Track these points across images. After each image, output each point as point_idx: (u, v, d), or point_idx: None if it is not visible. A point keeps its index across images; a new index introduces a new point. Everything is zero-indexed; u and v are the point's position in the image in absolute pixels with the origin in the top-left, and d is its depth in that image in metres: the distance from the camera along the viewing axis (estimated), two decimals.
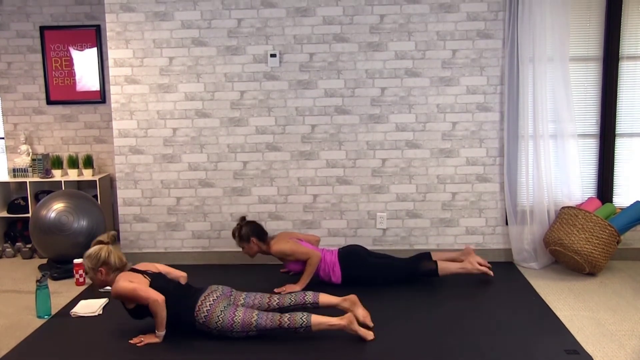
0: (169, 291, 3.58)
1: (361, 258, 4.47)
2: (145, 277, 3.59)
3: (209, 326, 3.50)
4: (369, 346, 3.43)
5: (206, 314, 3.49)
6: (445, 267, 4.45)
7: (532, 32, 4.73)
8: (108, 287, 4.48)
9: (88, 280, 4.75)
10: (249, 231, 4.47)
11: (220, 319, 3.48)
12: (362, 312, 3.68)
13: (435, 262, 4.45)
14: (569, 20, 4.74)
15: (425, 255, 4.56)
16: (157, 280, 3.62)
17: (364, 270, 4.44)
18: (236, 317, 3.48)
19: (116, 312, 4.06)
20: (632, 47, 4.94)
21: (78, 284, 4.65)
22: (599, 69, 4.99)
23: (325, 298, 3.70)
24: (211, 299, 3.55)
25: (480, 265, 4.48)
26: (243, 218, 4.56)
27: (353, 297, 3.69)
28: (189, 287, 3.70)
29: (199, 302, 3.54)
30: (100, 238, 3.70)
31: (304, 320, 3.44)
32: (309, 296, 3.69)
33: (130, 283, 3.46)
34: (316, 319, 3.46)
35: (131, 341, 3.53)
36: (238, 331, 3.48)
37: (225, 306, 3.53)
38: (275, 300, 3.68)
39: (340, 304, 3.69)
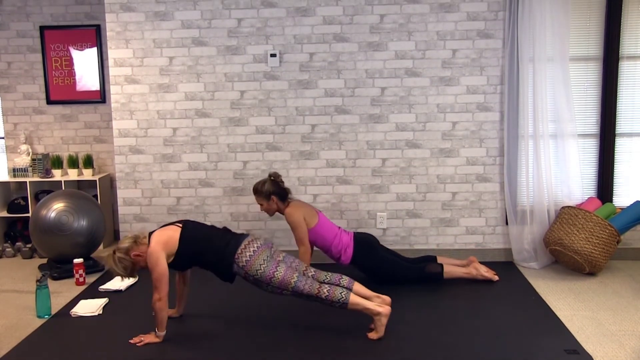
0: (202, 236, 3.55)
1: (374, 249, 4.46)
2: (178, 226, 3.56)
3: (248, 272, 3.46)
4: (365, 344, 3.43)
5: (248, 259, 3.46)
6: (450, 270, 4.46)
7: (532, 32, 4.73)
8: (109, 287, 4.49)
9: (88, 280, 4.75)
10: (271, 188, 4.39)
11: (262, 268, 3.45)
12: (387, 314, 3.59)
13: (441, 265, 4.46)
14: (569, 20, 4.74)
15: (431, 258, 4.56)
16: (188, 230, 3.56)
17: (374, 261, 4.43)
18: (277, 272, 3.45)
19: (116, 312, 4.06)
20: (632, 47, 4.94)
21: (78, 283, 4.65)
22: (599, 68, 4.99)
23: (359, 287, 3.60)
24: (255, 245, 3.52)
25: (486, 272, 4.51)
26: (274, 174, 4.44)
27: (388, 298, 3.60)
28: (227, 231, 3.65)
29: (242, 246, 3.50)
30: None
31: (343, 296, 3.42)
32: (344, 280, 3.61)
33: (159, 254, 3.42)
34: (354, 299, 3.44)
35: (131, 341, 3.53)
36: (274, 286, 3.46)
37: (267, 257, 3.50)
38: (310, 272, 3.61)
39: (372, 298, 3.58)
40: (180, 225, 3.59)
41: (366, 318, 3.66)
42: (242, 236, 3.60)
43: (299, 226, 4.35)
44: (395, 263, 4.46)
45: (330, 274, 3.64)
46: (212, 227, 3.67)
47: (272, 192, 4.38)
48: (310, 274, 3.60)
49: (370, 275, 4.49)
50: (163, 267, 3.43)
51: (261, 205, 4.45)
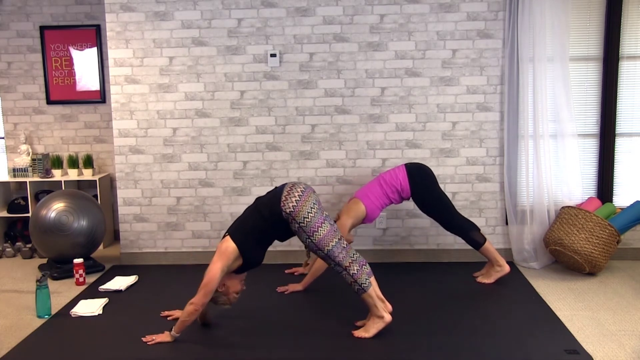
0: (248, 223, 3.54)
1: (431, 179, 4.43)
2: (225, 236, 3.57)
3: (295, 218, 3.46)
4: (366, 344, 3.43)
5: (295, 204, 3.45)
6: (489, 248, 4.46)
7: (532, 32, 4.73)
8: (109, 287, 4.49)
9: (88, 280, 4.75)
10: None
11: (310, 217, 3.46)
12: (387, 322, 3.60)
13: (485, 238, 4.45)
14: (569, 20, 4.74)
15: (478, 228, 4.50)
16: (234, 231, 3.54)
17: (432, 193, 4.41)
18: (321, 229, 3.46)
19: (116, 312, 4.06)
20: (632, 47, 4.94)
21: (78, 283, 4.65)
22: (599, 68, 4.99)
23: (374, 282, 3.57)
24: (298, 189, 3.52)
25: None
26: None
27: (390, 307, 3.60)
28: (259, 198, 3.66)
29: (285, 193, 3.50)
30: None
31: (367, 283, 3.45)
32: (367, 268, 3.55)
33: (214, 264, 3.43)
34: (372, 292, 3.47)
35: (143, 339, 3.52)
36: (312, 242, 3.46)
37: (314, 204, 3.50)
38: (344, 242, 3.55)
39: (378, 304, 3.53)
40: (226, 233, 3.58)
41: (363, 317, 3.67)
42: (281, 186, 3.59)
43: (347, 227, 4.34)
44: (450, 206, 4.43)
45: (358, 254, 3.58)
46: (245, 210, 3.66)
47: None
48: (343, 244, 3.55)
49: (422, 206, 4.47)
50: (211, 275, 3.41)
51: None
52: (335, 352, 3.36)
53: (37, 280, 3.97)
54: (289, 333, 3.63)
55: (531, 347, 3.37)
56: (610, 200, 5.08)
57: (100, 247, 5.66)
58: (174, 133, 5.07)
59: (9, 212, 5.66)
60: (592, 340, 3.48)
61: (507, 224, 5.04)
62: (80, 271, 4.65)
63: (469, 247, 5.07)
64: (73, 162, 5.67)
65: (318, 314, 3.92)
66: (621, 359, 3.23)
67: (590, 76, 5.01)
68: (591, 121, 5.06)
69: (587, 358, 3.24)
